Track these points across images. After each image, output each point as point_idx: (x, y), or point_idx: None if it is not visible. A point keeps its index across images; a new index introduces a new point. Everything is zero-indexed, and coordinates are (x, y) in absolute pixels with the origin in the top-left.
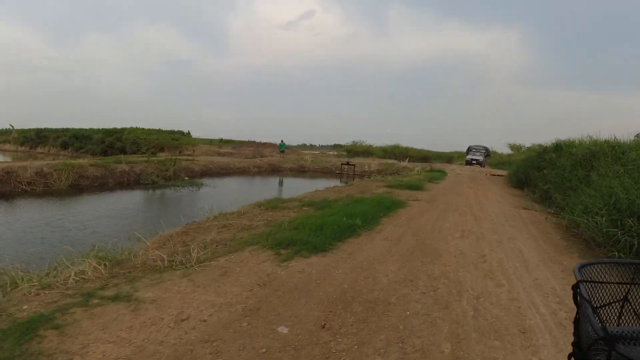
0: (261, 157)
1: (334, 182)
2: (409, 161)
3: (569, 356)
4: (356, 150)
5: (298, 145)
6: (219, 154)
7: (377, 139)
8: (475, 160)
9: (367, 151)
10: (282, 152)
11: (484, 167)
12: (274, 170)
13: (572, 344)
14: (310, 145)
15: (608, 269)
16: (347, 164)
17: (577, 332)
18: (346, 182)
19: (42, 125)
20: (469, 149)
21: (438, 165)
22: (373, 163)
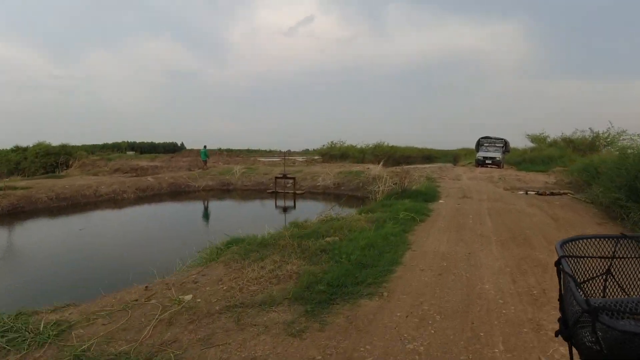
0: (199, 168)
1: (256, 213)
2: (399, 165)
3: (556, 333)
4: (333, 154)
5: (283, 151)
6: (134, 169)
7: (378, 139)
8: (490, 159)
9: (345, 153)
10: (205, 161)
11: (502, 167)
12: (176, 193)
13: (558, 320)
14: (290, 151)
15: (590, 244)
16: (284, 177)
17: (562, 308)
18: (284, 210)
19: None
20: (480, 144)
21: (434, 170)
22: (330, 173)
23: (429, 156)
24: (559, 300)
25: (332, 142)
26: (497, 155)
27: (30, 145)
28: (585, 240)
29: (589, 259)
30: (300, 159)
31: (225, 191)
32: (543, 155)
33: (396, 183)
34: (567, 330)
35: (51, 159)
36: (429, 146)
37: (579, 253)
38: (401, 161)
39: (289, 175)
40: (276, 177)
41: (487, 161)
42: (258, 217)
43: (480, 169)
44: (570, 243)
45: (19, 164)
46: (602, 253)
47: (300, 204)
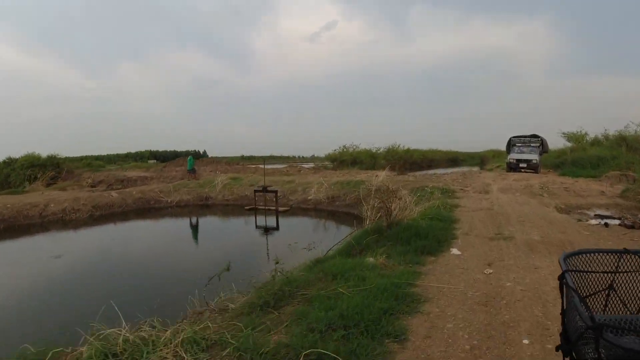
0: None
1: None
2: (408, 172)
3: (557, 347)
4: (343, 159)
5: (292, 156)
6: (120, 180)
7: (401, 142)
8: (525, 162)
9: (357, 159)
10: (191, 171)
11: (539, 171)
12: (144, 210)
13: (560, 334)
14: (302, 157)
15: (593, 259)
16: (264, 190)
17: (563, 322)
18: (265, 231)
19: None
20: (511, 144)
21: (456, 177)
22: (325, 183)
23: (454, 159)
24: (561, 314)
25: (344, 146)
26: (534, 157)
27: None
28: (588, 255)
29: (591, 273)
30: (307, 165)
31: (202, 207)
32: (589, 155)
33: (382, 211)
34: (569, 346)
35: (36, 171)
36: (454, 148)
37: (582, 267)
38: (423, 165)
39: (270, 188)
40: (255, 191)
41: (521, 165)
42: (228, 246)
43: (513, 175)
44: (573, 257)
45: (9, 176)
46: (605, 267)
47: (284, 223)
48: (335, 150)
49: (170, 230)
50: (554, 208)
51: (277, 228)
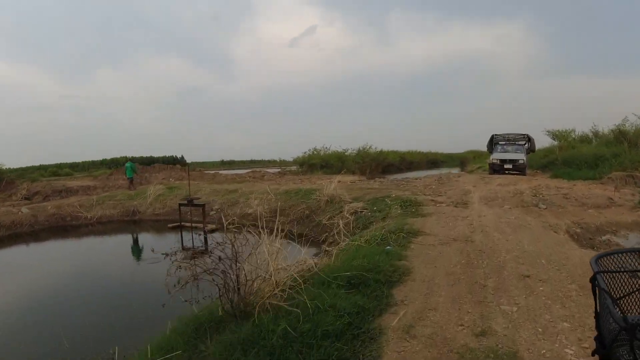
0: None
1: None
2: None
3: (593, 352)
4: (312, 163)
5: (273, 160)
6: (57, 191)
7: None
8: (511, 162)
9: (327, 162)
10: (131, 179)
11: (526, 173)
12: (59, 228)
13: (595, 338)
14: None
15: (626, 259)
16: (189, 203)
17: (598, 326)
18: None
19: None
20: (494, 142)
21: (430, 182)
22: (272, 193)
23: (434, 161)
24: (594, 318)
25: (314, 148)
26: (520, 156)
27: None
28: (621, 255)
29: (625, 273)
30: (272, 170)
31: (126, 223)
32: (583, 154)
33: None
34: (605, 350)
35: None
36: (436, 150)
37: (615, 268)
38: (401, 168)
39: (198, 201)
40: (180, 204)
41: (505, 166)
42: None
43: (497, 179)
44: (605, 258)
45: None
46: (638, 267)
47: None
48: (305, 152)
49: (70, 257)
50: (565, 233)
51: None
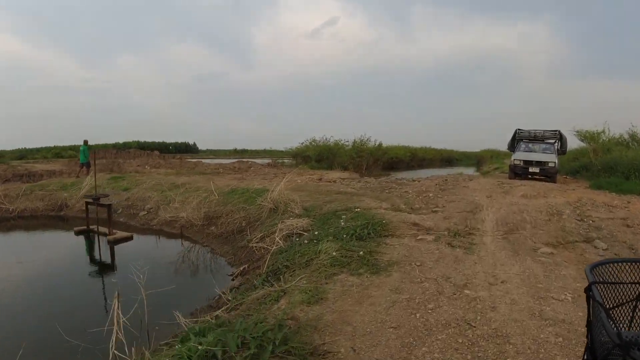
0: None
1: None
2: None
3: None
4: (306, 155)
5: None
6: (18, 175)
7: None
8: (538, 165)
9: (323, 155)
10: (84, 164)
11: (556, 180)
12: None
13: (586, 348)
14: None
15: (620, 269)
16: (95, 201)
17: (589, 336)
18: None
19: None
20: (518, 138)
21: (430, 185)
22: (216, 193)
23: (448, 159)
24: (586, 326)
25: (313, 139)
26: (550, 158)
27: None
28: (616, 265)
29: (618, 284)
30: (261, 161)
31: (51, 219)
32: (630, 160)
33: None
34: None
35: None
36: (453, 148)
37: (610, 277)
38: (413, 165)
39: (102, 201)
40: (86, 202)
41: (531, 169)
42: None
43: (519, 186)
44: (600, 267)
45: None
46: (634, 278)
47: (121, 260)
48: (302, 143)
49: None
50: None
51: (114, 269)
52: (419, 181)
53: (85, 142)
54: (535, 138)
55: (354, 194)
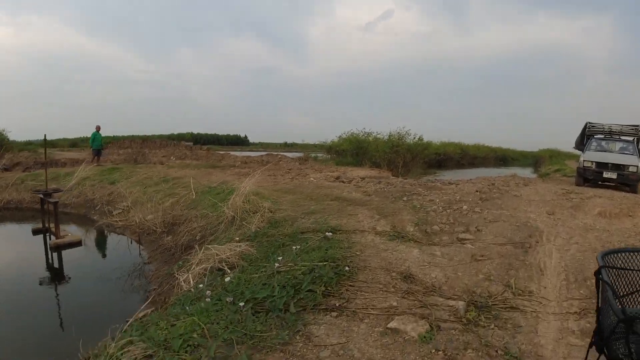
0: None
1: None
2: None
3: (590, 344)
4: (341, 149)
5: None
6: (39, 163)
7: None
8: (616, 169)
9: (357, 149)
10: (98, 151)
11: (636, 189)
12: None
13: (594, 331)
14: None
15: (632, 258)
16: (45, 196)
17: (598, 319)
18: None
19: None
20: (588, 134)
21: (461, 201)
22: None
23: (503, 158)
24: (596, 311)
25: (351, 132)
26: (632, 161)
27: None
28: (628, 253)
29: (631, 271)
30: (291, 155)
31: (34, 211)
32: None
33: None
34: (602, 342)
35: None
36: (509, 147)
37: (620, 265)
38: (463, 163)
39: (56, 194)
40: (41, 197)
41: (606, 174)
42: None
43: (592, 197)
44: (612, 255)
45: None
46: None
47: (59, 271)
48: (338, 136)
49: None
50: None
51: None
52: (457, 184)
53: (98, 127)
54: (611, 134)
55: (356, 201)
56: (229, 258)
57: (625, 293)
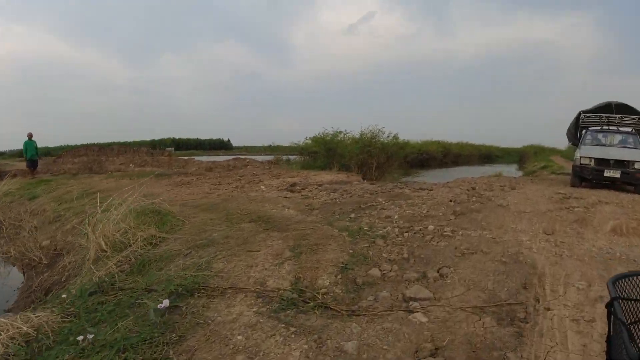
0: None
1: None
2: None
3: None
4: (312, 151)
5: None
6: None
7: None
8: (620, 166)
9: (331, 150)
10: (32, 162)
11: None
12: None
13: None
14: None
15: None
16: None
17: (609, 351)
18: None
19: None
20: (582, 125)
21: (432, 204)
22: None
23: (488, 155)
24: (606, 341)
25: (324, 132)
26: (637, 156)
27: None
28: (639, 278)
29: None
30: (261, 159)
31: None
32: None
33: None
34: None
35: None
36: (490, 143)
37: (633, 291)
38: (446, 162)
39: None
40: None
41: (608, 172)
42: None
43: (599, 204)
44: (625, 280)
45: None
46: None
47: None
48: (308, 138)
49: None
50: None
51: None
52: (430, 190)
53: (30, 135)
54: (609, 125)
55: (280, 223)
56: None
57: (634, 320)
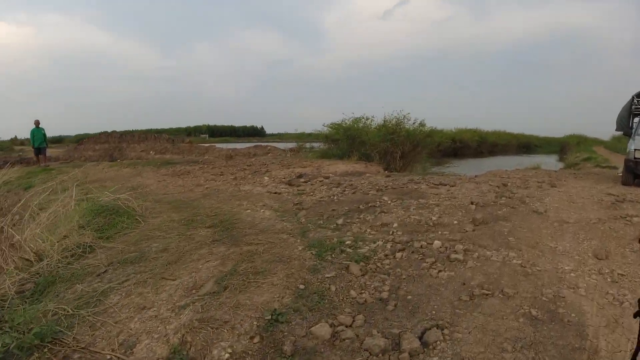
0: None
1: None
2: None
3: None
4: (335, 138)
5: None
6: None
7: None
8: None
9: (355, 137)
10: (37, 150)
11: None
12: None
13: None
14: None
15: None
16: None
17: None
18: None
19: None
20: (636, 112)
21: (449, 208)
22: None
23: (526, 145)
24: (637, 346)
25: (354, 117)
26: None
27: None
28: None
29: None
30: (283, 146)
31: None
32: None
33: None
34: None
35: None
36: (529, 132)
37: None
38: (482, 151)
39: None
40: None
41: None
42: None
43: None
44: None
45: None
46: None
47: None
48: (330, 124)
49: None
50: None
51: None
52: (450, 186)
53: (37, 122)
54: None
55: (243, 231)
56: None
57: None
